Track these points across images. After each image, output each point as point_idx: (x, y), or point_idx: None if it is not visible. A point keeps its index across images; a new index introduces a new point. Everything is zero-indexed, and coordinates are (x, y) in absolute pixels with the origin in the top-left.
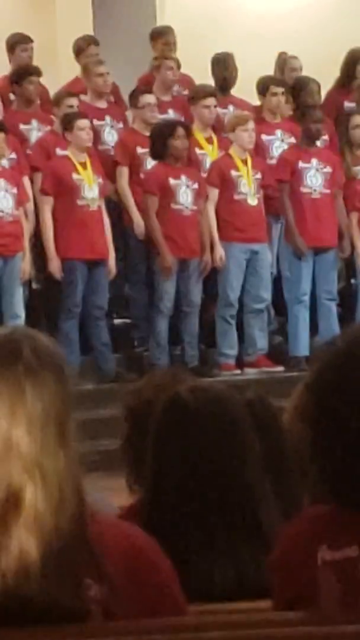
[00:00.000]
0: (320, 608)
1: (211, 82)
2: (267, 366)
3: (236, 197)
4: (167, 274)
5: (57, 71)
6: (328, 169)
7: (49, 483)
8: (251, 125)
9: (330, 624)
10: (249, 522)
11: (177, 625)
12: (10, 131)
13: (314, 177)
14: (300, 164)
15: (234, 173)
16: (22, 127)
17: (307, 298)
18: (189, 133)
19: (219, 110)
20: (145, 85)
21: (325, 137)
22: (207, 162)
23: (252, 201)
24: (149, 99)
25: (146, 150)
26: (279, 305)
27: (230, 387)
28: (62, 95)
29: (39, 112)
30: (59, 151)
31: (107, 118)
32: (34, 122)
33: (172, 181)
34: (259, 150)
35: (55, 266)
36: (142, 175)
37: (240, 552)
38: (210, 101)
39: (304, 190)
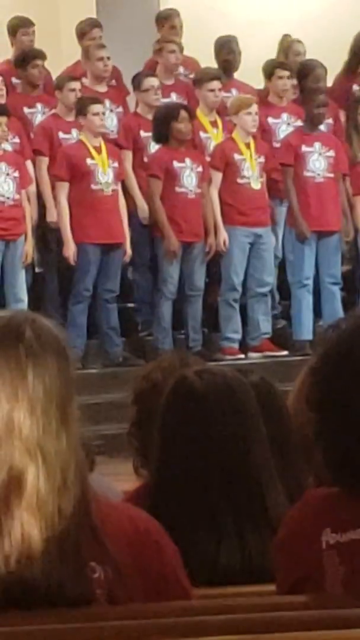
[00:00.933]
0: (325, 591)
1: (214, 66)
2: (270, 350)
3: (239, 180)
4: (172, 257)
5: (60, 54)
6: (331, 153)
7: (51, 465)
8: (255, 108)
9: (334, 607)
10: (255, 506)
11: (182, 609)
12: (15, 115)
13: (317, 161)
14: (304, 148)
15: (237, 157)
16: (26, 110)
17: (310, 282)
18: (192, 116)
19: (222, 94)
20: (150, 69)
21: (329, 120)
22: (211, 146)
23: (256, 185)
24: (152, 82)
25: (149, 134)
26: (284, 289)
27: (235, 371)
28: (65, 79)
29: (43, 96)
30: (62, 135)
31: (107, 102)
32: (38, 106)
33: (176, 164)
34: (265, 134)
35: (70, 251)
36: (145, 159)
37: (246, 535)
38: (215, 84)
39: (307, 174)
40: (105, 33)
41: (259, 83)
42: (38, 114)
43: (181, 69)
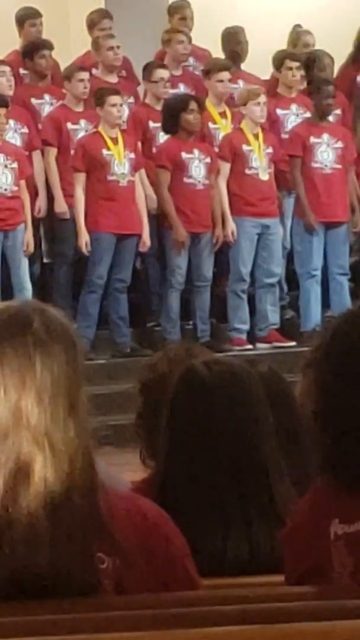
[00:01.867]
0: (333, 582)
1: (222, 57)
2: (278, 341)
3: (247, 171)
4: (180, 248)
5: (69, 45)
6: (339, 144)
7: (58, 454)
8: (263, 99)
9: (343, 597)
10: (262, 497)
11: (189, 599)
12: (23, 105)
13: (325, 152)
14: (312, 139)
15: (245, 147)
16: (34, 101)
17: (318, 273)
18: (201, 107)
19: (230, 85)
20: (159, 60)
21: (338, 111)
22: (220, 137)
23: (264, 176)
24: (162, 73)
25: (158, 124)
26: (292, 280)
27: (243, 361)
28: (73, 70)
29: (51, 87)
30: (71, 125)
31: None
32: (47, 97)
33: (184, 155)
34: (274, 125)
35: (83, 241)
36: (154, 150)
37: (254, 526)
38: (224, 75)
39: (315, 165)
40: (115, 24)
41: (266, 74)
42: (46, 105)
43: (191, 60)
